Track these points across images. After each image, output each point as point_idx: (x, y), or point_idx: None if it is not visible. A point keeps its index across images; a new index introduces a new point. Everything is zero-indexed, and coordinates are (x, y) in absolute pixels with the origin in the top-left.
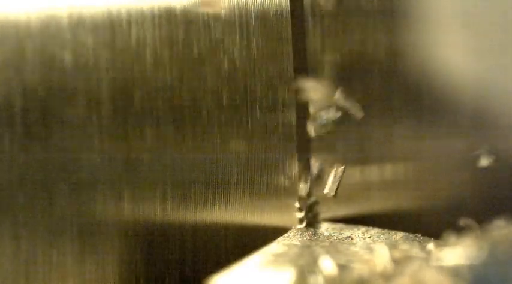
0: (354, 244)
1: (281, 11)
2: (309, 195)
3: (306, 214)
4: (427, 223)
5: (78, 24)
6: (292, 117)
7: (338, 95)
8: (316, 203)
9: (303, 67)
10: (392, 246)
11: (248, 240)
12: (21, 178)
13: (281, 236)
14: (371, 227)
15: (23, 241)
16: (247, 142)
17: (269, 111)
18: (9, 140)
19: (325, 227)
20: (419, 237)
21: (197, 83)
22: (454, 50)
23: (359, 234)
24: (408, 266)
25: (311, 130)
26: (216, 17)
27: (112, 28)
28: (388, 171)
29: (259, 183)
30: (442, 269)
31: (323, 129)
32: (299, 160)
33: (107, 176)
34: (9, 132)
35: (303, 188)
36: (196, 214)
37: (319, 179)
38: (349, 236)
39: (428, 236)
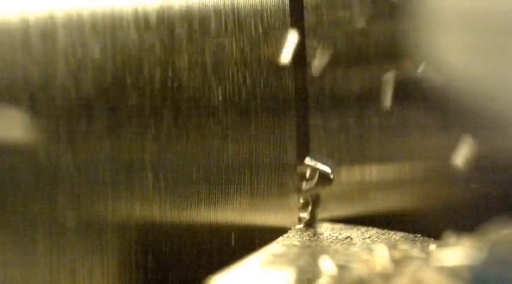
0: (353, 244)
1: (281, 11)
2: (308, 194)
3: (305, 214)
4: (427, 223)
5: (77, 24)
6: (292, 117)
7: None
8: (316, 203)
9: (303, 67)
10: (392, 246)
11: (248, 240)
12: (22, 179)
13: (281, 236)
14: (371, 228)
15: (24, 241)
16: (247, 142)
17: (268, 111)
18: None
19: (325, 228)
20: (419, 237)
21: (197, 83)
22: (454, 50)
23: (359, 234)
24: (408, 266)
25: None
26: (216, 17)
27: (112, 28)
28: (388, 171)
29: (259, 183)
30: (441, 269)
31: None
32: (299, 160)
33: (107, 176)
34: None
35: (302, 188)
36: (196, 214)
37: (319, 179)
38: (349, 237)
39: (428, 236)
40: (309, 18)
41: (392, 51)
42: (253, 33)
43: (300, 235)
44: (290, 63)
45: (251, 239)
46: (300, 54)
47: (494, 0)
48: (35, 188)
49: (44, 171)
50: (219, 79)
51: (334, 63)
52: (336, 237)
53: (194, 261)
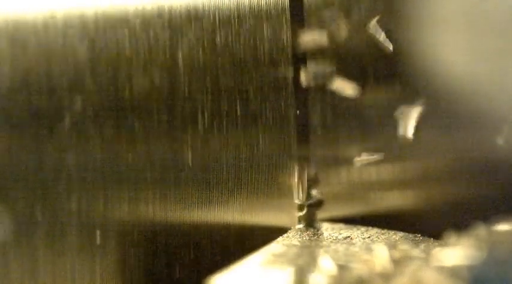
0: (353, 244)
1: (281, 10)
2: (308, 194)
3: (305, 214)
4: (427, 223)
5: (71, 26)
6: (292, 116)
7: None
8: (315, 202)
9: (303, 67)
10: (392, 246)
11: (248, 240)
12: (22, 179)
13: (281, 236)
14: (370, 227)
15: (24, 241)
16: (247, 142)
17: (269, 111)
18: (10, 139)
19: (324, 227)
20: (419, 237)
21: (196, 83)
22: (454, 50)
23: (358, 234)
24: (408, 266)
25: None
26: (216, 17)
27: (111, 29)
28: (388, 171)
29: (259, 183)
30: (441, 269)
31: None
32: (299, 159)
33: (107, 176)
34: (9, 131)
35: (302, 187)
36: (196, 214)
37: (319, 179)
38: (349, 237)
39: (428, 236)
40: (309, 18)
41: (392, 52)
42: (252, 32)
43: (300, 235)
44: (290, 63)
45: (251, 239)
46: (300, 55)
47: (495, 0)
48: (35, 188)
49: (44, 170)
50: (218, 80)
51: (333, 63)
52: (336, 237)
53: (194, 261)
